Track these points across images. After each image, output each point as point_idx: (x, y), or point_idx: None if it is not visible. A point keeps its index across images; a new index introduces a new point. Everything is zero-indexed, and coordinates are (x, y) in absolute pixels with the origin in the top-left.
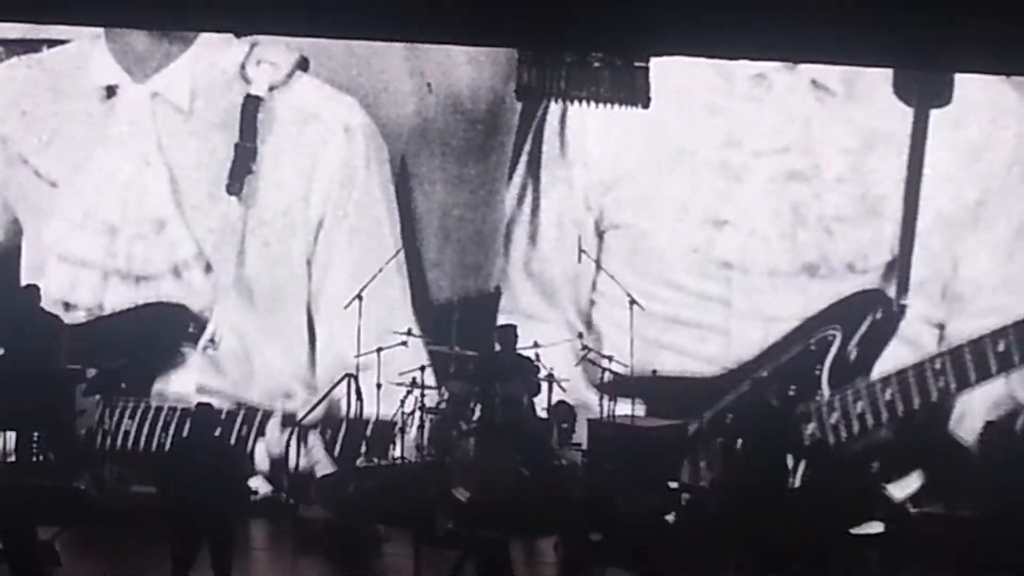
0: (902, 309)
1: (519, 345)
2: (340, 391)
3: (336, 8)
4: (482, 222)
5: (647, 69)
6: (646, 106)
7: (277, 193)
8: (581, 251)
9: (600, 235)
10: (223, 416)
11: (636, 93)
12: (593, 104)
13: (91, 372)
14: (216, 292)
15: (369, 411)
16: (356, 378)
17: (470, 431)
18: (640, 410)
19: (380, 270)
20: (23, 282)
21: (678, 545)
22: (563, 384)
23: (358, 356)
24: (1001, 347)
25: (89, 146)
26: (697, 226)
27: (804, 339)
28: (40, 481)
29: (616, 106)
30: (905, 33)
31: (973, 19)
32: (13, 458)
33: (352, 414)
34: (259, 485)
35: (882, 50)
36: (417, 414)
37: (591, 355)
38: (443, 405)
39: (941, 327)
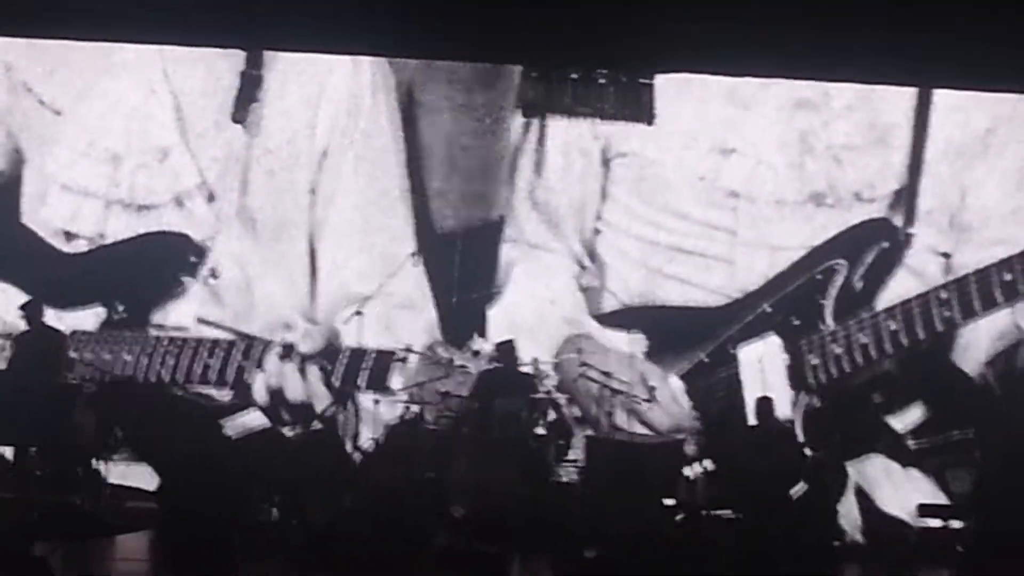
0: (908, 239)
1: (518, 360)
2: (341, 322)
3: (346, 24)
4: (488, 151)
5: (652, 86)
6: (650, 123)
7: (282, 122)
8: (582, 266)
9: (606, 163)
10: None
11: (641, 109)
12: (598, 120)
13: (88, 388)
14: (219, 222)
15: (369, 344)
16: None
17: (468, 447)
18: (642, 342)
19: (381, 283)
20: (24, 212)
21: (673, 562)
22: (561, 400)
23: (364, 369)
24: (1007, 277)
25: (94, 74)
26: (704, 154)
27: (810, 269)
28: (36, 496)
29: (621, 123)
30: (903, 49)
31: (971, 37)
32: (9, 473)
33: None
34: (255, 418)
35: (883, 66)
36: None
37: (591, 372)
38: (441, 420)
39: (947, 257)
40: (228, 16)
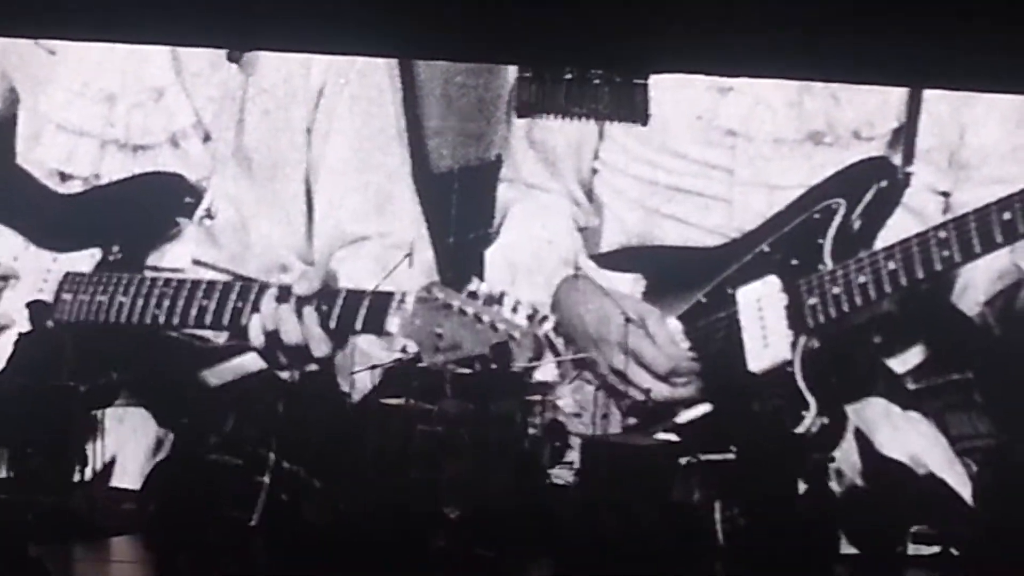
0: (907, 177)
1: (513, 363)
2: (337, 264)
3: (338, 23)
4: (484, 89)
5: (646, 86)
6: (645, 123)
7: (277, 61)
8: (577, 269)
9: None
10: None
11: (635, 110)
12: (593, 121)
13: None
14: (214, 162)
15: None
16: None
17: (463, 449)
18: (640, 284)
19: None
20: (19, 152)
21: (672, 563)
22: (557, 402)
23: (353, 373)
24: (1007, 216)
25: None
26: (701, 93)
27: (808, 208)
28: (32, 498)
29: (616, 123)
30: (896, 50)
31: (966, 36)
32: (5, 474)
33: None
34: (252, 361)
35: (876, 67)
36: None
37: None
38: (436, 423)
39: (946, 196)
40: (221, 14)
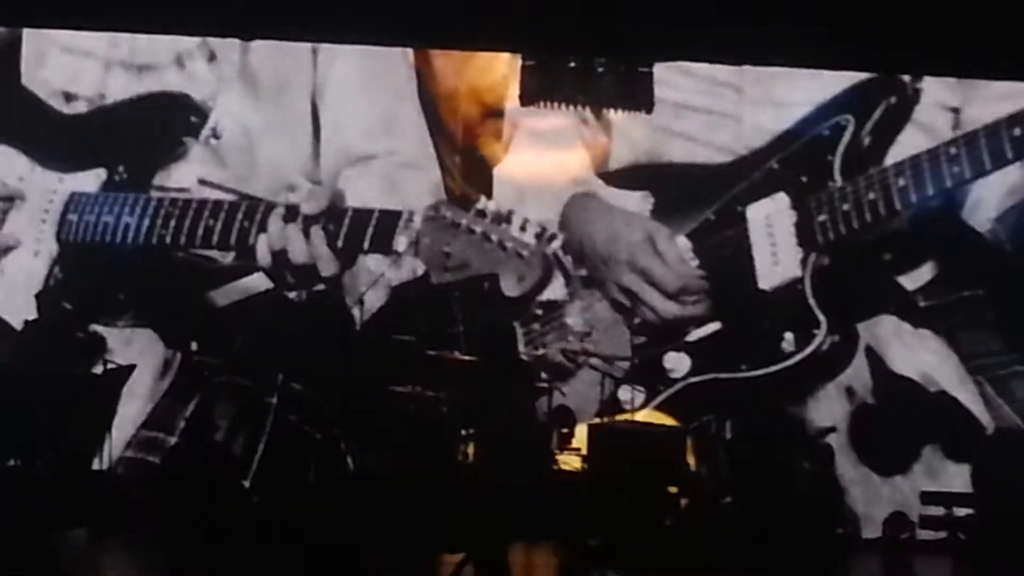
0: (916, 93)
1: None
2: (344, 183)
3: (342, 11)
4: None
5: (651, 74)
6: (649, 111)
7: None
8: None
9: None
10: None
11: (640, 98)
12: (597, 109)
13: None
14: (219, 82)
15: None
16: None
17: (469, 436)
18: (648, 202)
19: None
20: (24, 73)
21: (677, 549)
22: (563, 388)
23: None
24: (1017, 132)
25: None
26: None
27: (816, 125)
28: (41, 484)
29: (619, 112)
30: (904, 39)
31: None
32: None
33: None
34: (259, 282)
35: (883, 55)
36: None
37: (593, 360)
38: (442, 409)
39: (956, 112)
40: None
